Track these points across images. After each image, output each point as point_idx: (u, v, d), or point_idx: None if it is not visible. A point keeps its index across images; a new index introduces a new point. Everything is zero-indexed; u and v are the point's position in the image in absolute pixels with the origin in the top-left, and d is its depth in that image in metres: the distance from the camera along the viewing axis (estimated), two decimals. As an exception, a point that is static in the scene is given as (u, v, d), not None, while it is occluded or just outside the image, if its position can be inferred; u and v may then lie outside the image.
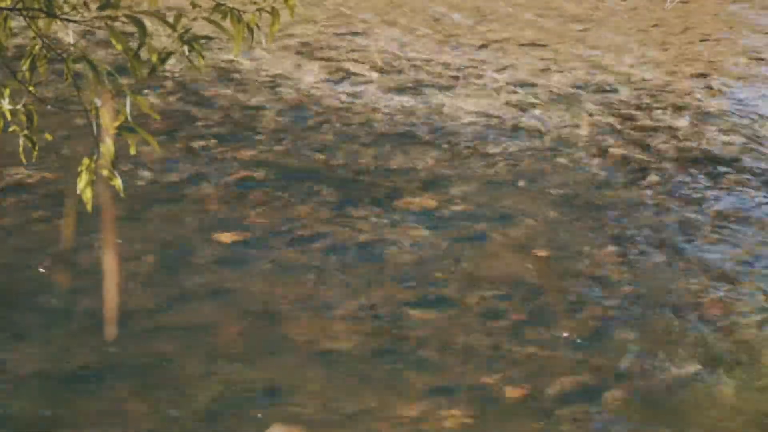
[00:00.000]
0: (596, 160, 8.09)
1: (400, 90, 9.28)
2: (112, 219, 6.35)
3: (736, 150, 8.41)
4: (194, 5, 3.51)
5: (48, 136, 3.48)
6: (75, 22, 3.40)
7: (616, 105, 9.26)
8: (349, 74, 9.60)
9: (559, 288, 6.26)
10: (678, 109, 9.25)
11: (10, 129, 3.41)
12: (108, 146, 3.21)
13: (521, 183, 7.60)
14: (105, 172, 3.23)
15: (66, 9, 3.42)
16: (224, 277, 6.12)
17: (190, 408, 5.01)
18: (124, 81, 3.32)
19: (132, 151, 3.33)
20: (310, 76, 9.51)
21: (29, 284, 5.91)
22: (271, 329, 5.66)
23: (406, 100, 9.05)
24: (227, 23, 3.53)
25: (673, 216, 7.27)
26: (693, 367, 5.59)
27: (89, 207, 3.30)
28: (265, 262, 6.31)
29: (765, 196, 7.61)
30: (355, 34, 10.76)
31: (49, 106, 3.36)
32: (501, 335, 5.75)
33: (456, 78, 9.67)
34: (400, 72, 9.73)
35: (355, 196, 7.22)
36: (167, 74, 9.02)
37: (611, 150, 8.31)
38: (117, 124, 3.20)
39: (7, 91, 3.39)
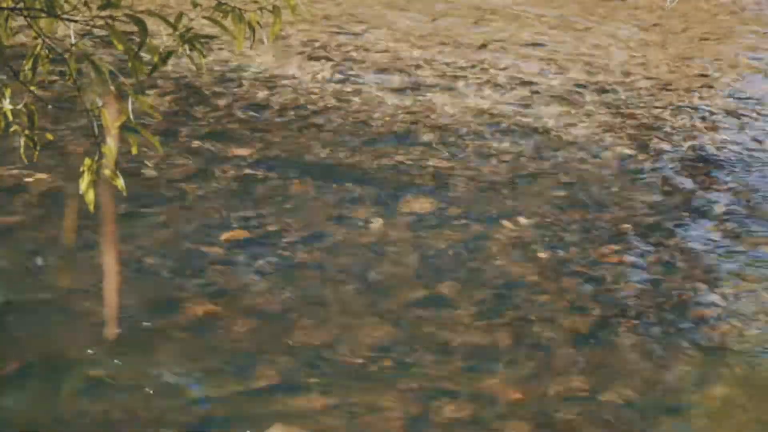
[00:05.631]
0: (596, 160, 8.09)
1: (401, 89, 9.28)
2: (113, 218, 6.35)
3: (737, 149, 8.41)
4: (195, 4, 3.51)
5: (49, 136, 3.47)
6: (76, 21, 3.40)
7: (616, 104, 9.26)
8: (349, 73, 9.60)
9: (558, 288, 6.25)
10: (678, 108, 9.25)
11: (12, 129, 3.40)
12: (111, 146, 3.21)
13: (521, 183, 7.61)
14: (108, 173, 3.22)
15: (67, 8, 3.41)
16: (224, 276, 6.12)
17: (191, 408, 5.01)
18: (125, 80, 3.32)
19: (134, 151, 3.32)
20: (311, 74, 9.51)
21: (30, 284, 5.90)
22: (272, 329, 5.66)
23: (407, 99, 9.05)
24: (228, 22, 3.53)
25: (673, 216, 7.27)
26: (693, 366, 5.59)
27: (91, 208, 3.29)
28: (266, 262, 6.31)
29: (766, 195, 7.61)
30: (356, 33, 10.77)
31: (50, 106, 3.36)
32: (501, 335, 5.75)
33: (456, 77, 9.67)
34: (400, 71, 9.73)
35: (356, 196, 7.22)
36: (168, 73, 9.02)
37: (611, 149, 8.31)
38: (119, 123, 3.20)
39: (8, 91, 3.39)
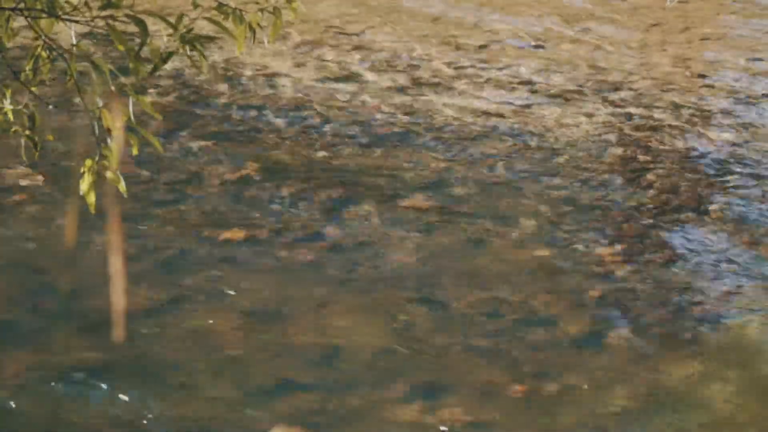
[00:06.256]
0: (596, 160, 8.09)
1: (400, 89, 9.28)
2: (112, 219, 6.35)
3: (737, 150, 8.41)
4: (196, 5, 3.51)
5: (50, 137, 3.48)
6: (76, 21, 3.40)
7: (615, 104, 9.26)
8: (349, 73, 9.60)
9: (559, 288, 6.26)
10: (678, 108, 9.25)
11: (13, 129, 3.40)
12: (112, 147, 3.21)
13: (521, 183, 7.60)
14: (109, 174, 3.22)
15: (67, 9, 3.41)
16: (224, 277, 6.12)
17: (192, 408, 5.01)
18: (125, 81, 3.32)
19: (134, 152, 3.32)
20: (310, 75, 9.51)
21: (30, 284, 5.91)
22: (272, 329, 5.66)
23: (406, 100, 9.05)
24: (229, 23, 3.52)
25: (673, 216, 7.28)
26: (693, 366, 5.60)
27: (92, 209, 3.29)
28: (265, 262, 6.31)
29: (765, 195, 7.61)
30: (356, 33, 10.76)
31: (51, 107, 3.36)
32: (501, 335, 5.75)
33: (456, 78, 9.67)
34: (400, 71, 9.73)
35: (355, 196, 7.22)
36: (168, 73, 9.02)
37: (611, 150, 8.31)
38: (120, 124, 3.20)
39: (8, 92, 3.39)
